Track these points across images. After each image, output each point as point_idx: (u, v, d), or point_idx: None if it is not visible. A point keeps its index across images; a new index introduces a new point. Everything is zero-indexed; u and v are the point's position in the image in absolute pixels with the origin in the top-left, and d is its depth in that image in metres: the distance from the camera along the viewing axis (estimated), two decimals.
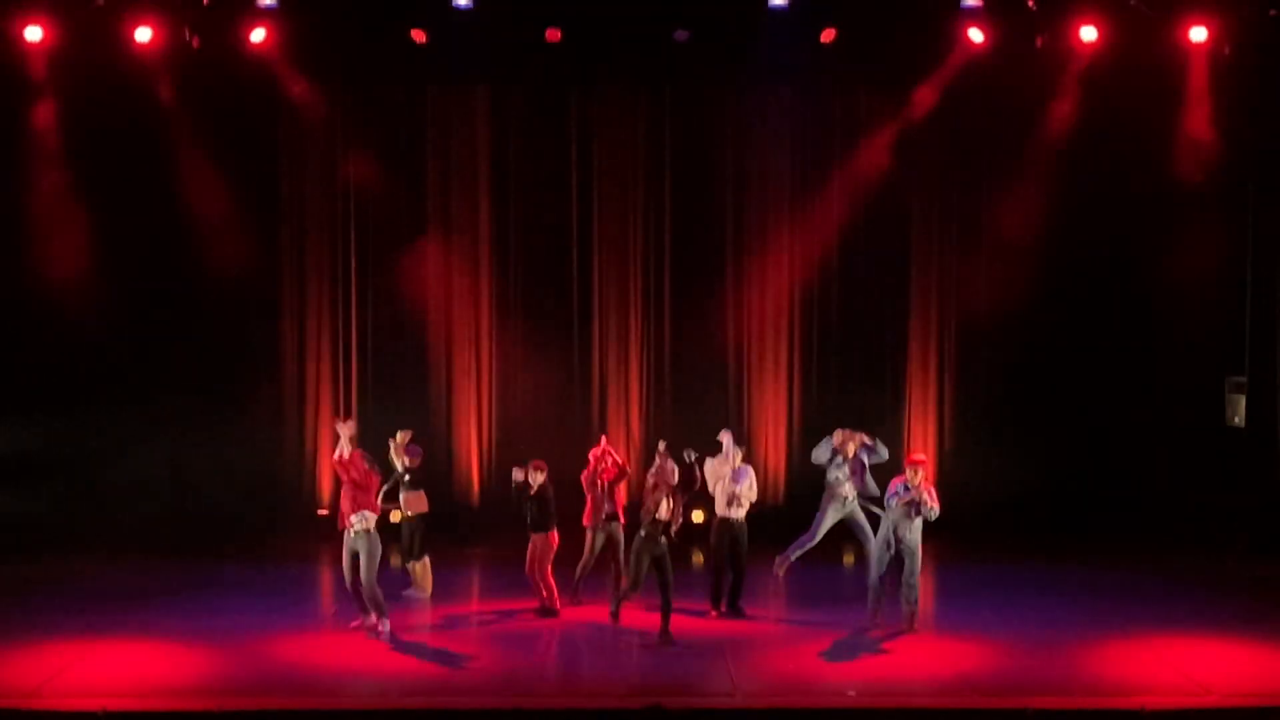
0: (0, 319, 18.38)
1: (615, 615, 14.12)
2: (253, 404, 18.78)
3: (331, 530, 17.77)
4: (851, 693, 12.13)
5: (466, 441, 18.99)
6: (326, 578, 17.29)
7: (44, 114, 18.19)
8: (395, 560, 15.62)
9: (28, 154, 18.28)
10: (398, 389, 19.02)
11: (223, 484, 18.51)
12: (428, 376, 19.14)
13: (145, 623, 14.19)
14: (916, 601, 14.03)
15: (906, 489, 13.80)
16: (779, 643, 13.63)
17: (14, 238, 18.34)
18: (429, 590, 15.20)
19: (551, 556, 14.46)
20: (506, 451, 18.98)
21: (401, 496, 15.09)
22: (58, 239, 18.31)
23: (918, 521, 13.89)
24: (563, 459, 18.53)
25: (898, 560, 13.93)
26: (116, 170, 18.35)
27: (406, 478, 15.08)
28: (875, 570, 14.02)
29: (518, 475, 14.37)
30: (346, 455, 13.47)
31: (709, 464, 14.56)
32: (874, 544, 14.08)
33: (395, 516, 15.39)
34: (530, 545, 14.41)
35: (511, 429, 19.13)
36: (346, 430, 13.59)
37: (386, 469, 14.67)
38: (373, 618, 13.65)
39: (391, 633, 13.51)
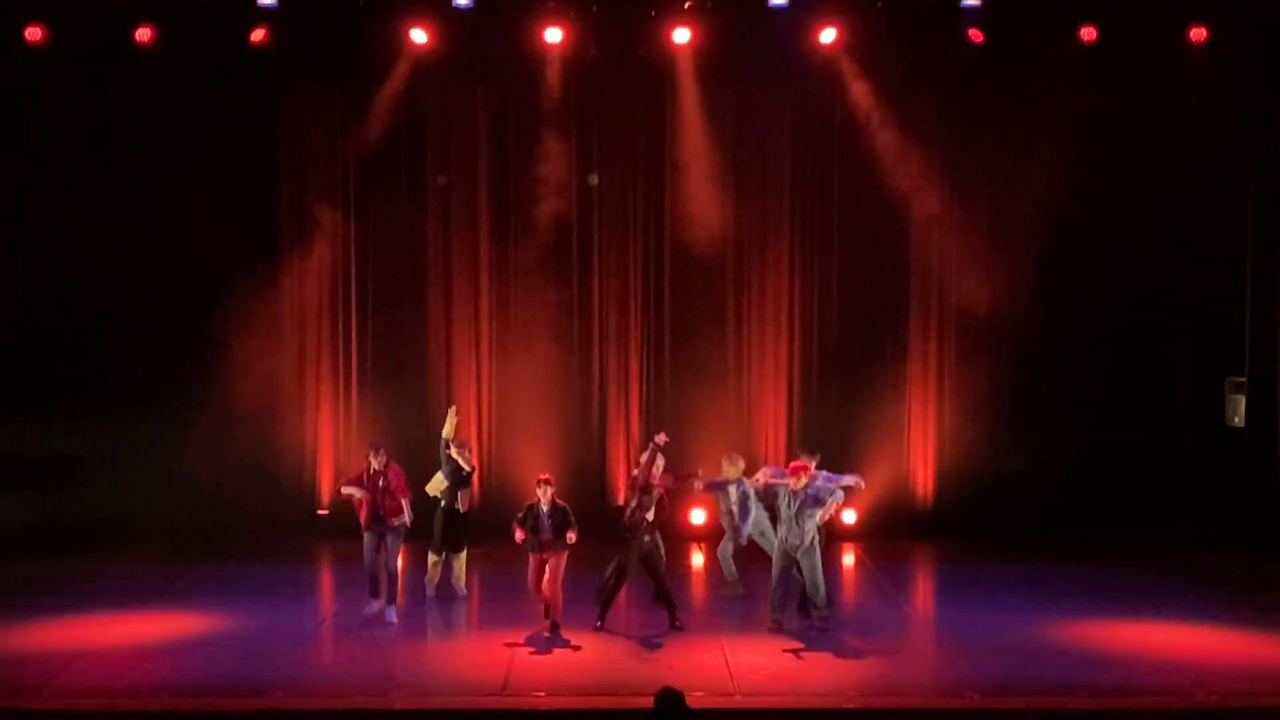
0: (2, 320, 18.39)
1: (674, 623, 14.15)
2: (253, 404, 18.75)
3: (331, 530, 17.78)
4: (852, 693, 12.13)
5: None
6: (326, 578, 17.32)
7: (43, 114, 18.17)
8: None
9: (27, 154, 18.27)
10: (398, 388, 19.02)
11: (223, 484, 18.48)
12: (428, 375, 19.13)
13: (145, 623, 14.20)
14: (821, 603, 13.93)
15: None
16: (779, 643, 13.62)
17: (13, 238, 18.34)
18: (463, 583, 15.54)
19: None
20: (506, 451, 19.00)
21: (464, 492, 15.28)
22: (57, 239, 18.30)
23: (810, 525, 13.78)
24: (563, 459, 18.71)
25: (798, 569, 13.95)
26: (115, 170, 18.35)
27: (466, 472, 15.38)
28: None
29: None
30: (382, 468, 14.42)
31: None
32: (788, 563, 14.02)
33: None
34: (557, 561, 14.04)
35: (511, 428, 19.11)
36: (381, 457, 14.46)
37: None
38: (381, 603, 14.28)
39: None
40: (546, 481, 14.02)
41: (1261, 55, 17.78)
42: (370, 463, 14.47)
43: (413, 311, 19.14)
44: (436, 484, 15.32)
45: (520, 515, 13.98)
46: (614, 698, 11.90)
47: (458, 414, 15.60)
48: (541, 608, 14.11)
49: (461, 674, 12.90)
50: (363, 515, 14.41)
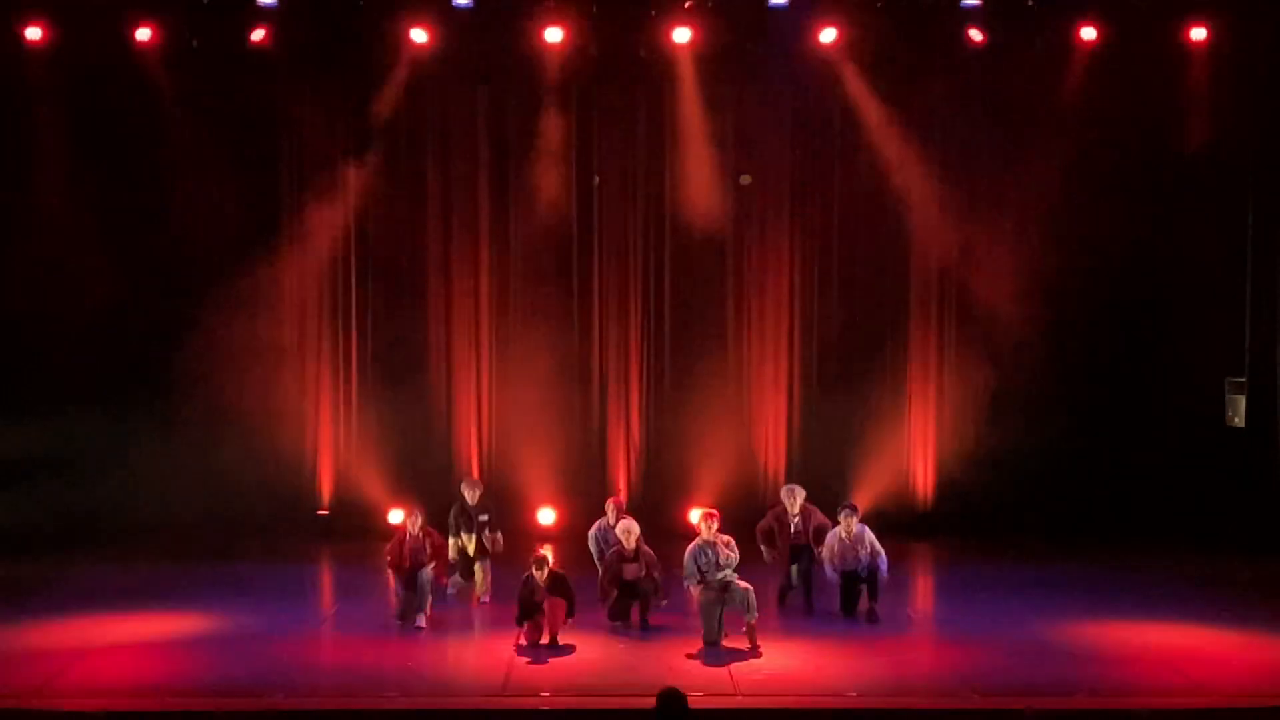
0: (0, 320, 18.40)
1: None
2: (253, 404, 18.76)
3: (331, 530, 17.80)
4: (852, 693, 12.14)
5: (467, 441, 18.98)
6: (326, 578, 17.32)
7: (43, 114, 18.19)
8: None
9: (27, 154, 18.28)
10: (398, 388, 19.02)
11: (223, 484, 18.48)
12: (428, 376, 19.13)
13: (145, 623, 14.19)
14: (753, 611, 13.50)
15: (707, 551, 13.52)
16: (779, 643, 13.61)
17: (13, 238, 18.34)
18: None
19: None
20: (506, 451, 19.00)
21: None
22: (57, 239, 18.30)
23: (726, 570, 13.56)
24: (563, 460, 18.72)
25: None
26: (116, 170, 18.36)
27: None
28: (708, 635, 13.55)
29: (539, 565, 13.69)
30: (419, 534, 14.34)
31: (830, 534, 14.57)
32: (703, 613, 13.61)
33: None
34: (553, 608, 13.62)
35: (511, 428, 19.12)
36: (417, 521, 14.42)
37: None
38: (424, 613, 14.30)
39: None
40: (543, 560, 13.63)
41: (1261, 55, 17.77)
42: (409, 528, 14.38)
43: (413, 311, 19.14)
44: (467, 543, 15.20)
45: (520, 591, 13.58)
46: (614, 698, 11.89)
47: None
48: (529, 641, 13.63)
49: (461, 674, 12.91)
50: (402, 579, 14.31)
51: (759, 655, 13.14)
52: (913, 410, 19.23)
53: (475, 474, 17.89)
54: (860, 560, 14.43)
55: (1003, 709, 11.61)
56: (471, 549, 15.14)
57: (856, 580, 14.51)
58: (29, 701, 11.69)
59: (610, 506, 15.39)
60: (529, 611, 13.48)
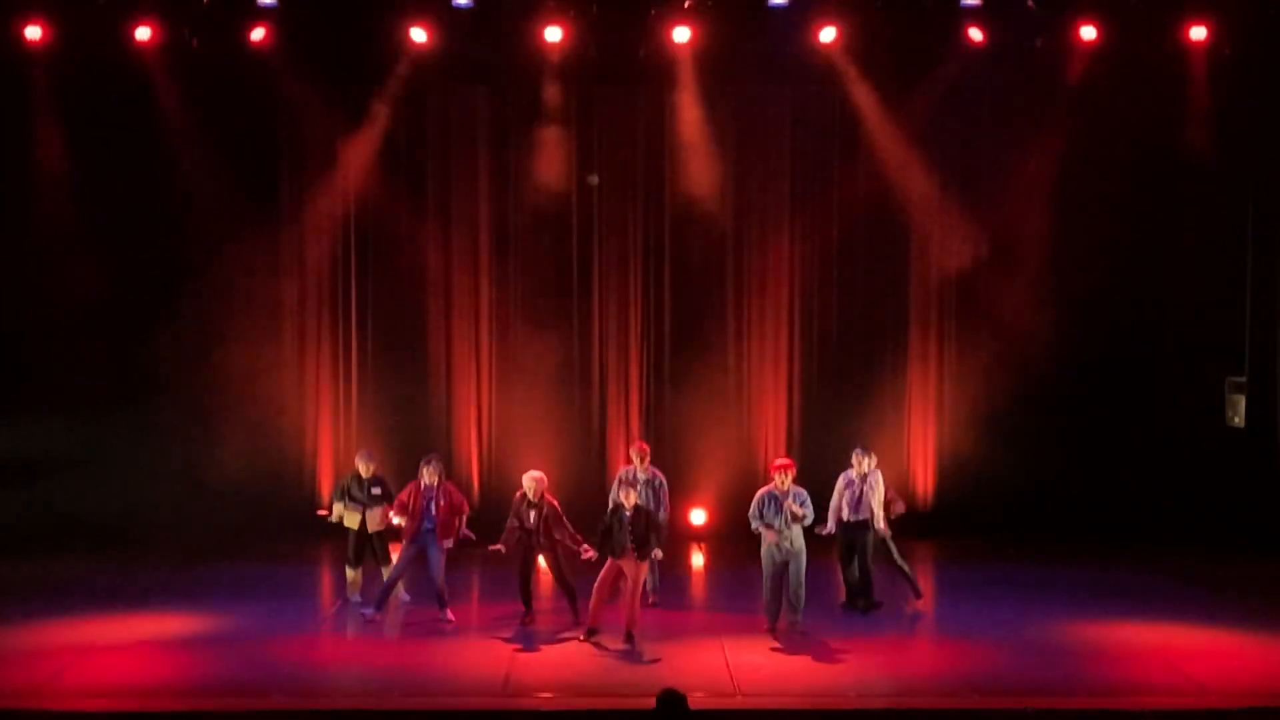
0: (0, 320, 18.41)
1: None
2: (253, 403, 18.76)
3: (330, 530, 17.76)
4: (852, 693, 12.14)
5: (466, 441, 18.99)
6: (326, 578, 17.30)
7: (43, 114, 18.18)
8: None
9: (26, 154, 18.27)
10: (398, 388, 19.02)
11: (223, 484, 18.47)
12: (428, 376, 19.14)
13: (145, 623, 14.20)
14: (800, 609, 13.82)
15: (774, 500, 13.65)
16: (779, 643, 13.61)
17: (12, 238, 18.34)
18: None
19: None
20: (506, 452, 19.00)
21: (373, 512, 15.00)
22: (56, 239, 18.29)
23: (797, 529, 13.69)
24: (564, 459, 18.71)
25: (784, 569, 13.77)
26: (115, 170, 18.34)
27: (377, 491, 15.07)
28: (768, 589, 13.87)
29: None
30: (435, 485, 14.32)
31: (841, 477, 14.64)
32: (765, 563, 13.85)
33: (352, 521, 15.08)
34: (637, 573, 13.60)
35: (511, 428, 19.12)
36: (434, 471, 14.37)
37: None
38: (373, 610, 14.33)
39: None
40: (632, 485, 13.79)
41: (1261, 55, 17.77)
42: (422, 477, 14.31)
43: (413, 311, 19.14)
44: (351, 517, 15.05)
45: (605, 520, 13.68)
46: (614, 698, 11.90)
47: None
48: (586, 627, 13.63)
49: (461, 674, 12.89)
50: (409, 530, 14.26)
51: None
52: (913, 410, 19.23)
53: (473, 472, 17.93)
54: (869, 510, 14.39)
55: (1003, 709, 11.62)
56: (355, 524, 14.93)
57: (857, 533, 14.43)
58: (29, 701, 11.70)
59: (635, 453, 15.24)
60: (615, 550, 13.50)
